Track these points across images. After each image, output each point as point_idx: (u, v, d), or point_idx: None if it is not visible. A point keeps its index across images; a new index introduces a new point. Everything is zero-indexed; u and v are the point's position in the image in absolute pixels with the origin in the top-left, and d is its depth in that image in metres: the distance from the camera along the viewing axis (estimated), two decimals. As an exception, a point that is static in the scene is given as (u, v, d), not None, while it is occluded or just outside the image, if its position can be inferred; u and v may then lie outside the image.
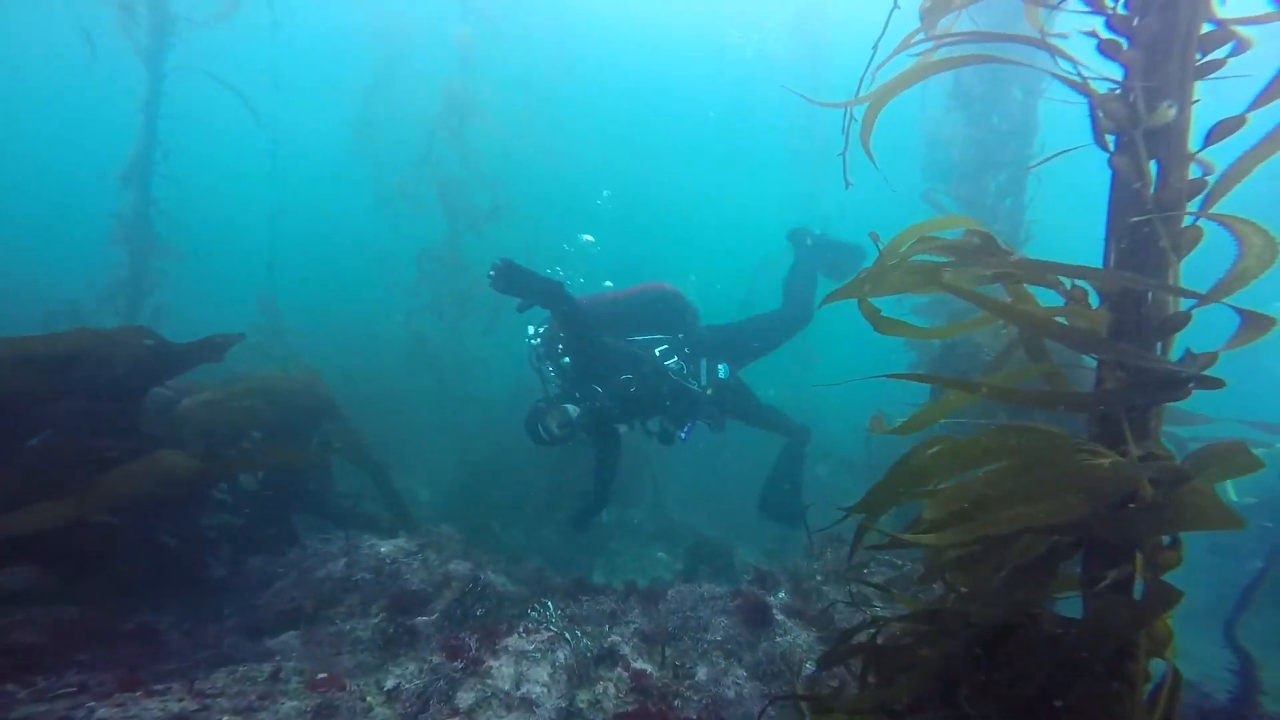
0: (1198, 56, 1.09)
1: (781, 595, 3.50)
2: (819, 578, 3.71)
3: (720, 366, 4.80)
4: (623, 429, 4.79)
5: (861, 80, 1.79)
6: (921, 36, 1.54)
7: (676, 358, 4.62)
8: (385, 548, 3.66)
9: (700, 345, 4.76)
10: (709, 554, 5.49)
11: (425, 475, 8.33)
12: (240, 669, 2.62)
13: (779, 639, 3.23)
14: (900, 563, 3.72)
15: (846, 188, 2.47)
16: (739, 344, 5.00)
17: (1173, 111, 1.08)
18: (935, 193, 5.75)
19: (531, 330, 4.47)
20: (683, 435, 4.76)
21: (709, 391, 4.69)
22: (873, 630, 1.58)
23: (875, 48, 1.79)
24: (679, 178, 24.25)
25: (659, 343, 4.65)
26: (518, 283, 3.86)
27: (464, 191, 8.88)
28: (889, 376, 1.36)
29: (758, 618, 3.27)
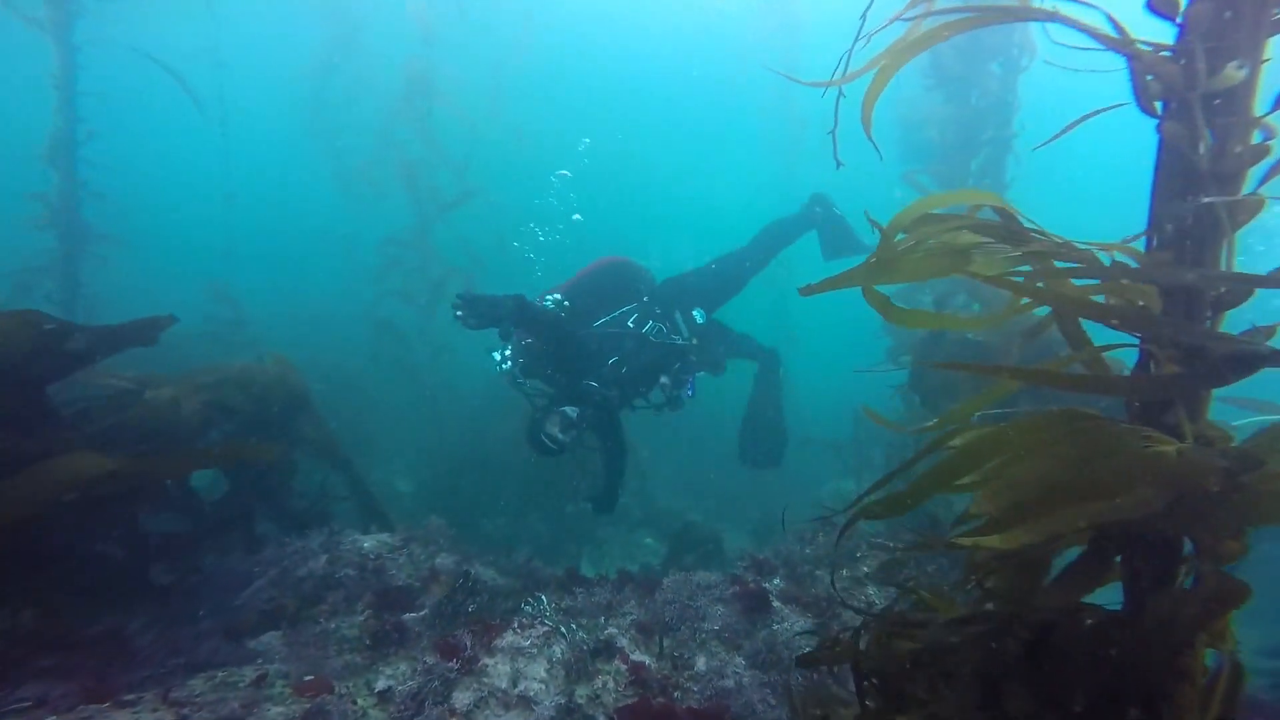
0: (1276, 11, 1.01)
1: (777, 582, 3.46)
2: (809, 565, 3.69)
3: (695, 313, 4.71)
4: (626, 412, 4.69)
5: (848, 56, 1.68)
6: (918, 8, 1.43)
7: (651, 321, 4.52)
8: (368, 543, 3.51)
9: (667, 300, 4.66)
10: (697, 540, 5.44)
11: (403, 467, 8.12)
12: (220, 674, 2.46)
13: (776, 626, 3.20)
14: (893, 546, 3.71)
15: (837, 167, 2.38)
16: (704, 288, 4.90)
17: (1242, 73, 1.00)
18: (916, 173, 5.67)
19: (498, 356, 4.24)
20: (688, 393, 4.67)
21: (694, 342, 4.61)
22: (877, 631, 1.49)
23: (864, 17, 1.67)
24: (653, 156, 23.93)
25: (628, 314, 4.52)
26: (485, 312, 3.69)
27: (429, 175, 8.50)
28: (939, 366, 1.26)
29: (756, 605, 3.23)
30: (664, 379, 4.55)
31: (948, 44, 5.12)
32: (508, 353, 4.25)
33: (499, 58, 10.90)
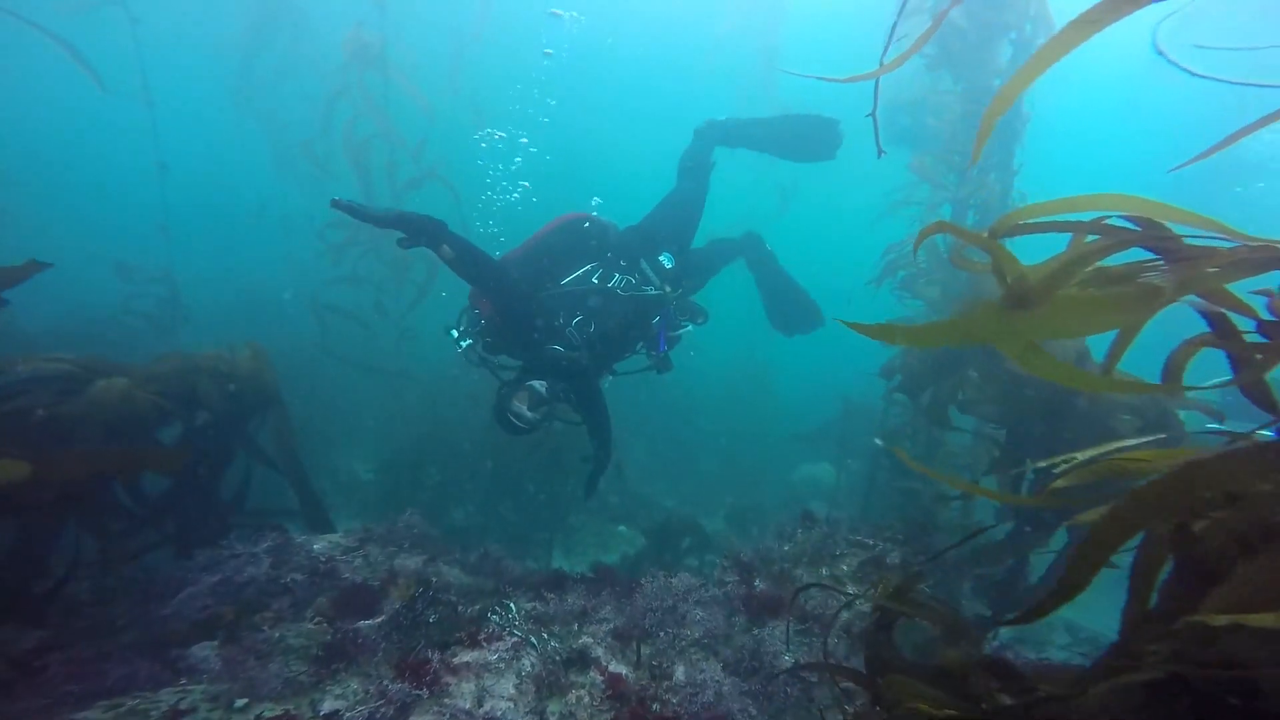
0: None
1: (758, 584, 3.29)
2: (788, 563, 3.54)
3: (663, 258, 4.35)
4: (607, 381, 4.32)
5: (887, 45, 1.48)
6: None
7: (617, 275, 4.16)
8: (319, 545, 3.17)
9: (630, 249, 4.31)
10: (677, 531, 5.26)
11: (364, 454, 7.68)
12: (129, 702, 2.12)
13: (757, 631, 3.03)
14: (872, 543, 3.59)
15: (879, 155, 2.19)
16: (662, 230, 4.57)
17: None
18: (919, 164, 5.41)
19: (455, 334, 3.89)
20: (663, 349, 4.33)
21: (668, 289, 4.25)
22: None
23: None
24: (617, 139, 23.23)
25: (590, 272, 4.16)
26: (372, 216, 3.18)
27: (382, 154, 7.83)
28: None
29: (737, 609, 3.05)
30: (640, 340, 4.20)
31: (954, 19, 4.86)
32: (463, 328, 3.89)
33: (457, 30, 10.04)
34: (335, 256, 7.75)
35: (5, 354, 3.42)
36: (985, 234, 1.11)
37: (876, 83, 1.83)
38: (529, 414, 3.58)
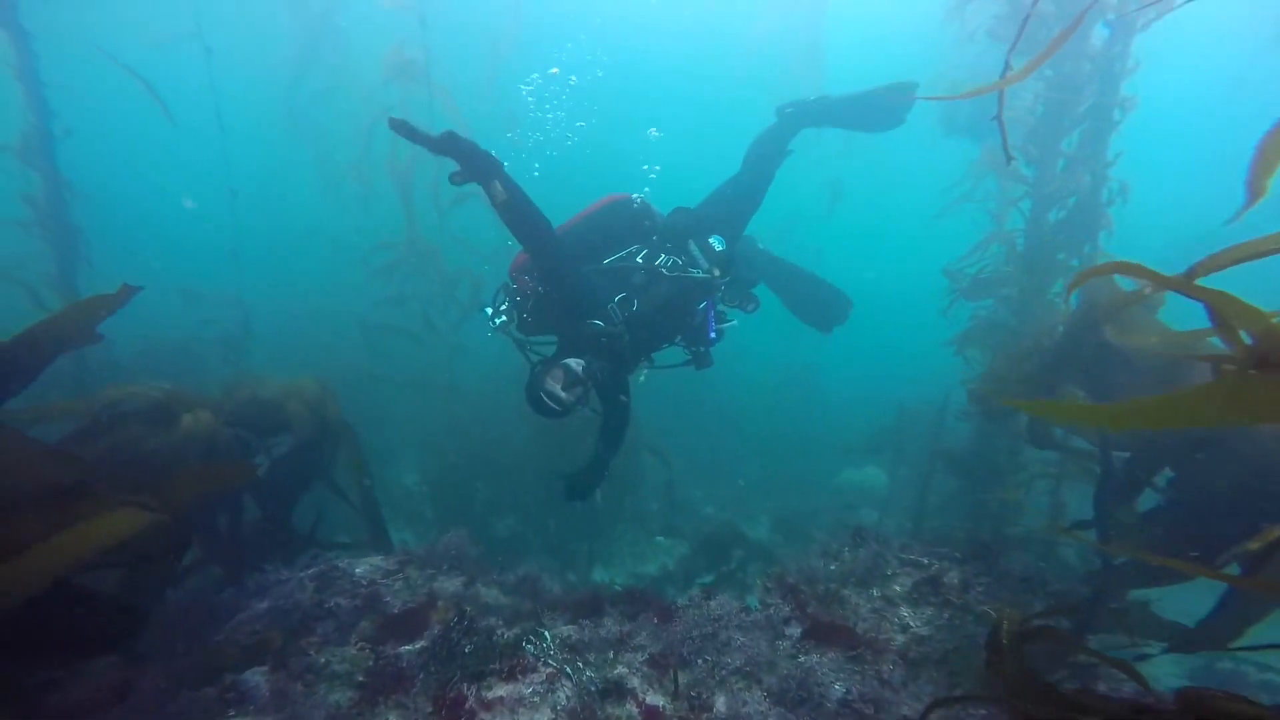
0: None
1: (806, 607, 3.11)
2: (835, 583, 3.33)
3: (713, 239, 3.97)
4: (643, 374, 4.00)
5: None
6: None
7: (663, 255, 3.85)
8: (360, 569, 3.20)
9: (678, 231, 3.99)
10: (717, 545, 5.10)
11: (410, 462, 7.84)
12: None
13: (803, 658, 2.85)
14: (927, 562, 3.34)
15: (1008, 163, 2.07)
16: (717, 215, 4.20)
17: None
18: (991, 156, 4.96)
19: (490, 310, 3.71)
20: (711, 335, 3.99)
21: (716, 273, 3.86)
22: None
23: None
24: (659, 146, 23.02)
25: (635, 253, 3.89)
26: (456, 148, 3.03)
27: (424, 173, 7.92)
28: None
29: (782, 634, 2.89)
30: (682, 330, 3.86)
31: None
32: (501, 305, 3.70)
33: (493, 41, 10.03)
34: (383, 277, 7.91)
35: (99, 382, 3.55)
36: (1184, 277, 0.90)
37: (1001, 93, 1.67)
38: (563, 394, 3.27)
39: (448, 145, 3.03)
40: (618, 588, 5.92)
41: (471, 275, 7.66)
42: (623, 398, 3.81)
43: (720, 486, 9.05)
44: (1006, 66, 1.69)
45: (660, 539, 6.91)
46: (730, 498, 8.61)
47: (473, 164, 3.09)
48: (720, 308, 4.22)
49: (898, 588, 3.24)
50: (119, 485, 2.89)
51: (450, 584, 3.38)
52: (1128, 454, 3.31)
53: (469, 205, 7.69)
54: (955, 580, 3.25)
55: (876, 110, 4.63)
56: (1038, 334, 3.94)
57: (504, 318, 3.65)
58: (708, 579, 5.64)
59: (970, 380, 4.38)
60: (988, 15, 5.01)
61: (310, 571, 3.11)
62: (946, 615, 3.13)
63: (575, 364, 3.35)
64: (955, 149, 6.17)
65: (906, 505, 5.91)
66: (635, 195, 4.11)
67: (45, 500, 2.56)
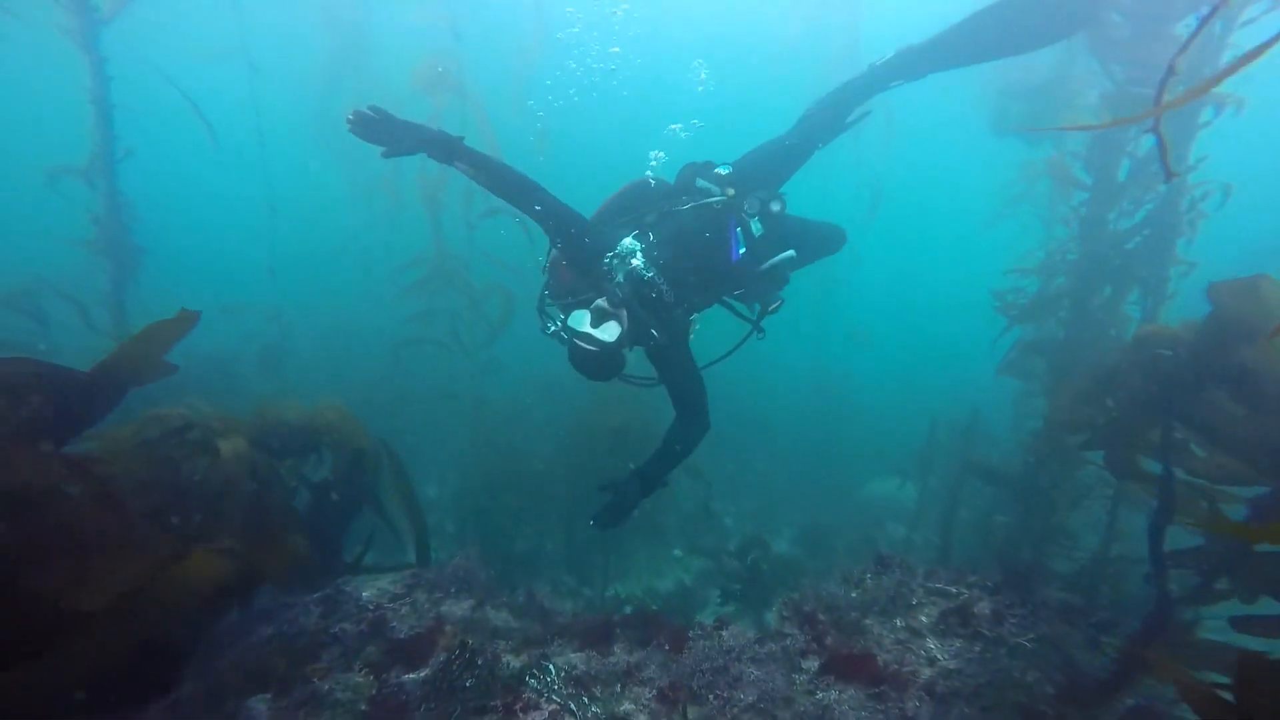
0: None
1: (825, 639, 2.90)
2: (856, 612, 3.11)
3: (720, 168, 3.54)
4: (695, 326, 3.37)
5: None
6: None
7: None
8: (367, 593, 3.12)
9: (686, 180, 3.57)
10: (737, 561, 4.90)
11: (433, 473, 7.82)
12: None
13: (819, 694, 2.66)
14: (955, 591, 3.10)
15: (1168, 180, 1.85)
16: (751, 175, 3.60)
17: None
18: (1057, 162, 4.56)
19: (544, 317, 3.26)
20: (737, 253, 3.33)
21: (731, 192, 3.37)
22: None
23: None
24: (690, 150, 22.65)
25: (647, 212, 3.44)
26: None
27: (454, 187, 7.83)
28: None
29: (799, 667, 2.69)
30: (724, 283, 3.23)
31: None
32: (546, 299, 3.24)
33: (522, 55, 9.84)
34: (413, 292, 7.84)
35: (141, 397, 3.48)
36: None
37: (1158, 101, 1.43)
38: (595, 332, 2.80)
39: (407, 143, 2.93)
40: (629, 610, 5.76)
41: (503, 290, 7.53)
42: (683, 349, 3.19)
43: (742, 497, 8.80)
44: (1168, 73, 1.40)
45: (678, 553, 6.72)
46: (752, 508, 8.36)
47: (436, 149, 2.97)
48: (740, 307, 3.57)
49: (924, 618, 3.01)
50: (187, 524, 2.88)
51: (458, 608, 3.27)
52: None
53: (499, 220, 7.53)
54: (987, 610, 3.00)
55: (1018, 27, 3.46)
56: (1111, 366, 3.57)
57: (551, 318, 3.19)
58: (728, 606, 5.42)
59: (1027, 405, 4.05)
60: None
61: (316, 595, 3.04)
62: (978, 648, 2.89)
63: (601, 300, 2.92)
64: (1005, 150, 5.82)
65: (935, 520, 5.59)
66: (650, 176, 3.69)
67: (130, 545, 2.53)
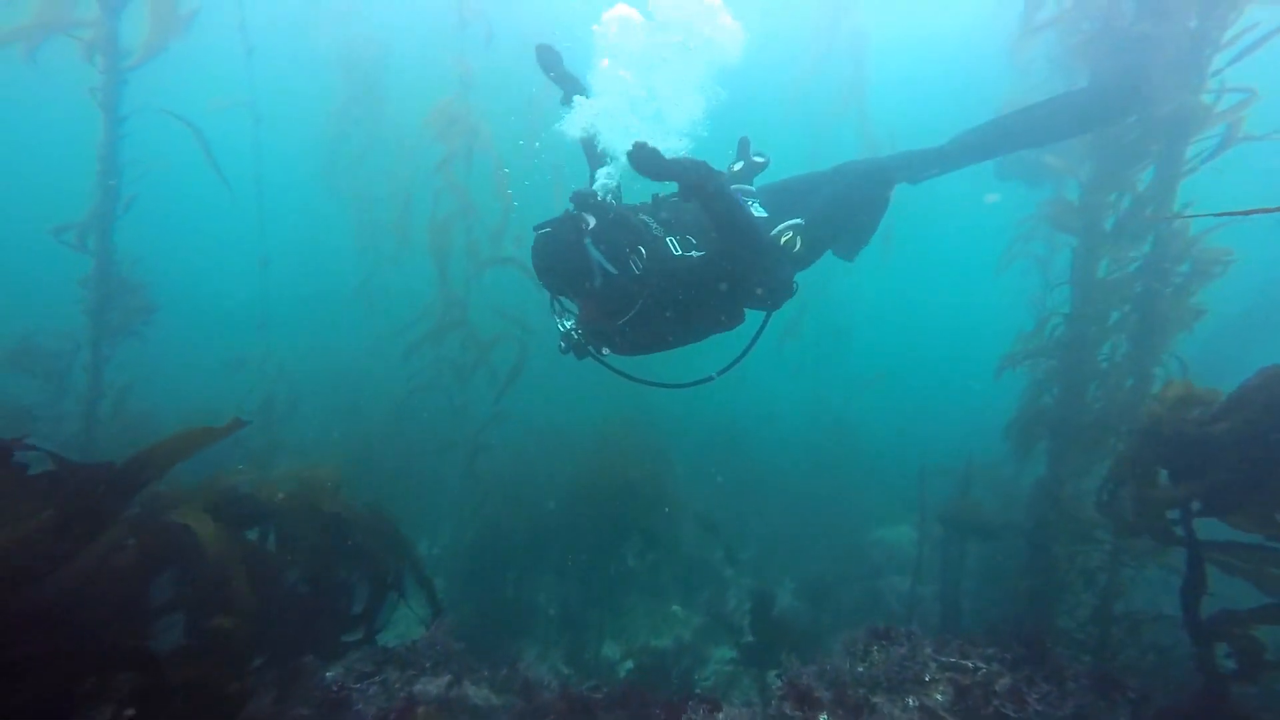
0: None
1: (824, 718, 2.56)
2: (863, 688, 2.77)
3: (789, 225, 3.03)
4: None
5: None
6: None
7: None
8: (331, 672, 2.80)
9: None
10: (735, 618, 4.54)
11: (427, 528, 7.46)
12: None
13: (827, 792, 2.30)
14: (971, 665, 2.77)
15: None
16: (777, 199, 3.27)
17: None
18: (1058, 208, 4.35)
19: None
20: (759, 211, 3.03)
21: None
22: None
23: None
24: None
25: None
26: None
27: (464, 232, 7.69)
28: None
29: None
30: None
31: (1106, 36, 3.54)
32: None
33: (530, 97, 9.56)
34: (420, 344, 7.59)
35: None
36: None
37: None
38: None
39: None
40: (630, 664, 5.32)
41: (512, 339, 7.25)
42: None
43: (742, 544, 8.35)
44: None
45: (676, 608, 6.30)
46: (751, 557, 7.91)
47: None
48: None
49: (939, 696, 2.66)
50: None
51: (433, 685, 2.94)
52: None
53: (507, 270, 7.32)
54: (1007, 685, 2.66)
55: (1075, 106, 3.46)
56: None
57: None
58: (728, 667, 5.00)
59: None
60: (1051, 43, 4.51)
61: (272, 675, 2.72)
62: (1002, 732, 2.54)
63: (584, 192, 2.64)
64: (1011, 190, 5.73)
65: (937, 571, 5.19)
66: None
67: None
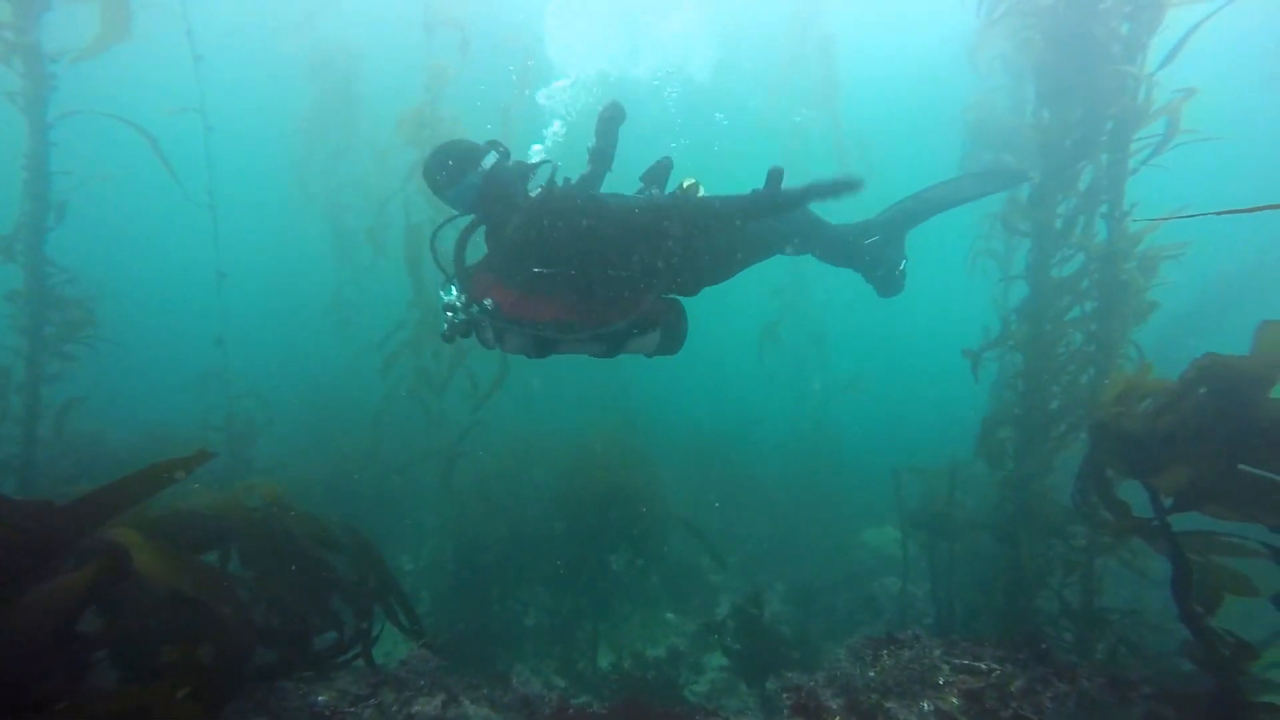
0: None
1: (841, 730, 2.48)
2: (875, 694, 2.70)
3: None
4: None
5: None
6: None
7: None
8: (323, 696, 2.60)
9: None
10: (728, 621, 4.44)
11: (408, 544, 7.16)
12: None
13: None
14: (985, 667, 2.72)
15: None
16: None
17: None
18: (1011, 214, 4.39)
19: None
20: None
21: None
22: None
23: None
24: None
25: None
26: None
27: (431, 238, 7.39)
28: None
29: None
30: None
31: (1048, 31, 3.64)
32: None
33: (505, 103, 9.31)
34: (397, 356, 7.31)
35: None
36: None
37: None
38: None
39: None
40: (619, 685, 5.14)
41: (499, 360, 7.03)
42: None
43: (728, 549, 8.26)
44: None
45: (670, 616, 6.16)
46: (739, 562, 7.82)
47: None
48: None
49: (954, 699, 2.61)
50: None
51: (430, 705, 2.76)
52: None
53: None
54: (1021, 685, 2.62)
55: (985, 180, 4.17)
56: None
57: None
58: (723, 665, 4.90)
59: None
60: (1004, 45, 4.62)
61: (255, 700, 2.51)
62: (1020, 734, 2.50)
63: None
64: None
65: (925, 571, 5.16)
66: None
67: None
